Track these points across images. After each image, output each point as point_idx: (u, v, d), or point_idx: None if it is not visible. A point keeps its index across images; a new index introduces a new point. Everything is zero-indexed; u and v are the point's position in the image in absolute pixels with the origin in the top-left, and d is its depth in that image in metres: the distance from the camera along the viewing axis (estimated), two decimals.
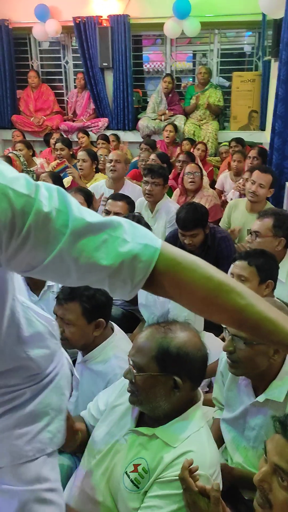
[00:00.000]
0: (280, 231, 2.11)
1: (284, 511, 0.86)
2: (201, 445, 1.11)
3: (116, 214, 2.50)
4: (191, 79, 6.59)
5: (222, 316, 0.80)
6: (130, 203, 2.65)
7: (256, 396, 1.38)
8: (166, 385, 1.13)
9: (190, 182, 3.51)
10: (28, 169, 4.57)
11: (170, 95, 5.92)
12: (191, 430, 1.13)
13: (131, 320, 2.42)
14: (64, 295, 1.51)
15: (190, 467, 1.04)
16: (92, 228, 0.70)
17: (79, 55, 6.12)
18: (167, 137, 5.38)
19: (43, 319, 0.97)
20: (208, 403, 1.74)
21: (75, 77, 6.44)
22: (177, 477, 1.06)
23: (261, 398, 1.36)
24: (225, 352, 1.40)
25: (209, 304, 0.78)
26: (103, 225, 0.71)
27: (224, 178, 4.45)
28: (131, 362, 1.17)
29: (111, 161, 3.34)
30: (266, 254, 1.84)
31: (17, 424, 0.96)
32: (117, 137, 5.77)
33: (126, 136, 5.99)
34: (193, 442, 1.12)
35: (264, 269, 1.79)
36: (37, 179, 4.28)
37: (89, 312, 1.49)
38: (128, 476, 1.13)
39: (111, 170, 3.33)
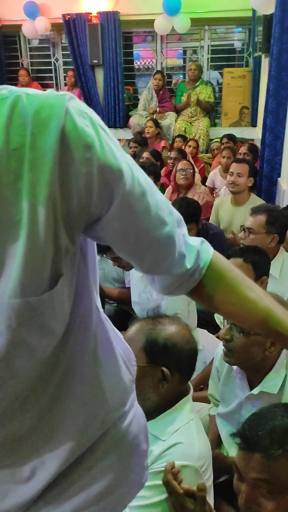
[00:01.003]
0: (273, 227, 2.11)
1: None
2: (190, 437, 1.12)
3: None
4: (182, 76, 6.58)
5: (257, 329, 0.80)
6: None
7: (251, 389, 1.39)
8: (154, 376, 1.14)
9: (182, 179, 3.51)
10: None
11: (161, 92, 5.90)
12: (180, 422, 1.14)
13: (124, 318, 2.41)
14: None
15: (173, 469, 1.04)
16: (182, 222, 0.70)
17: (69, 52, 6.08)
18: (148, 132, 5.38)
19: (120, 344, 0.79)
20: (204, 400, 1.74)
21: (65, 74, 6.40)
22: (165, 468, 1.06)
23: (256, 391, 1.36)
24: (221, 347, 1.41)
25: (251, 324, 0.78)
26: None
27: (214, 175, 4.44)
28: None
29: None
30: (260, 251, 1.85)
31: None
32: None
33: (118, 133, 5.97)
34: (182, 434, 1.12)
35: (259, 266, 1.81)
36: None
37: None
38: None
39: None
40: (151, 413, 1.15)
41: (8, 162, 0.50)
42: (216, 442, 1.55)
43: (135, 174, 0.59)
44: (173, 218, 0.65)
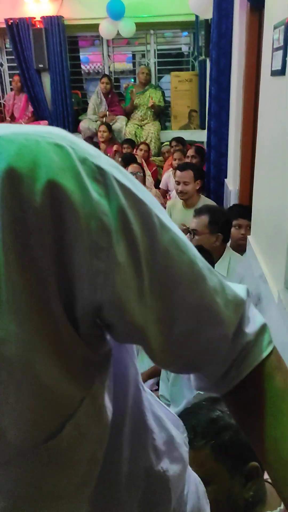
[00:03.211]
0: (216, 227, 2.14)
1: (210, 505, 0.88)
2: None
3: None
4: (132, 80, 6.60)
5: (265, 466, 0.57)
6: None
7: None
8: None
9: None
10: None
11: (109, 96, 5.90)
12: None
13: None
14: None
15: None
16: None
17: (13, 57, 5.96)
18: (101, 137, 5.37)
19: (169, 416, 0.67)
20: None
21: (11, 79, 6.27)
22: None
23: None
24: None
25: (264, 459, 0.54)
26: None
27: (168, 177, 4.49)
28: None
29: None
30: (204, 250, 1.87)
31: None
32: None
33: None
34: None
35: None
36: None
37: None
38: None
39: None
40: None
41: None
42: None
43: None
44: (231, 308, 0.48)
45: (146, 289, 0.40)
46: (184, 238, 0.44)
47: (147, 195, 0.40)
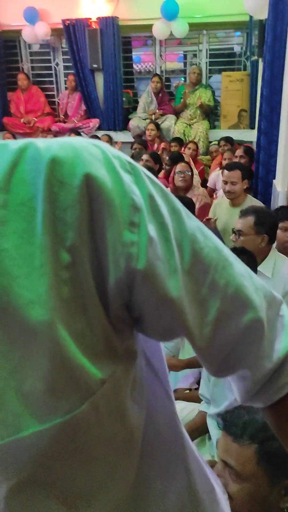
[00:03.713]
0: (262, 228, 2.16)
1: (243, 501, 0.91)
2: None
3: None
4: (183, 79, 6.64)
5: None
6: None
7: None
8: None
9: (181, 181, 3.57)
10: None
11: (160, 95, 5.97)
12: None
13: None
14: None
15: None
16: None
17: (69, 57, 6.16)
18: (149, 135, 5.45)
19: (210, 470, 0.62)
20: (196, 400, 1.79)
21: (65, 78, 6.48)
22: None
23: None
24: None
25: None
26: None
27: (216, 176, 4.50)
28: None
29: None
30: (247, 252, 1.90)
31: None
32: (110, 138, 5.82)
33: (117, 136, 6.04)
34: None
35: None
36: None
37: None
38: None
39: None
40: None
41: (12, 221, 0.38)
42: (194, 435, 1.59)
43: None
44: (260, 294, 0.48)
45: (177, 266, 0.41)
46: (207, 229, 0.47)
47: (171, 194, 0.45)
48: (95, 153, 0.40)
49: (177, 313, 0.42)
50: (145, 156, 4.16)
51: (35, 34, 5.97)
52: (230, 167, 3.08)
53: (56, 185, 0.38)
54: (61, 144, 0.40)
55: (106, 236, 0.39)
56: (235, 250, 1.91)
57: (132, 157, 4.58)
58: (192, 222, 0.45)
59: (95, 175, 0.38)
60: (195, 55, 6.45)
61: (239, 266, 0.47)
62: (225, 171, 3.08)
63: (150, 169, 3.30)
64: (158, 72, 6.28)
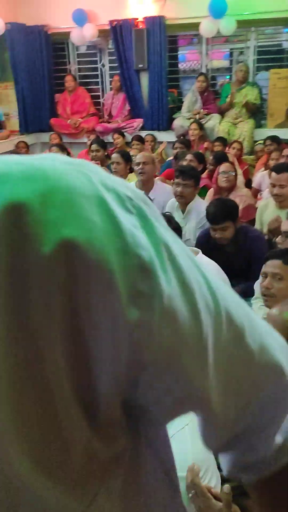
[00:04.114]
0: None
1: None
2: (182, 446, 1.09)
3: None
4: (228, 77, 6.55)
5: None
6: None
7: None
8: None
9: (224, 181, 3.52)
10: None
11: (205, 94, 5.91)
12: (174, 428, 1.10)
13: None
14: None
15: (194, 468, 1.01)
16: None
17: (115, 57, 6.21)
18: (192, 134, 5.41)
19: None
20: None
21: (111, 79, 6.55)
22: None
23: None
24: None
25: None
26: None
27: (261, 177, 4.40)
28: None
29: (138, 163, 3.40)
30: None
31: None
32: (154, 137, 5.84)
33: (161, 136, 6.03)
34: (174, 442, 1.08)
35: None
36: None
37: None
38: None
39: (139, 173, 3.39)
40: None
41: None
42: None
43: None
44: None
45: (207, 345, 0.31)
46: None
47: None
48: (79, 186, 0.27)
49: (201, 400, 0.33)
50: (189, 156, 4.13)
51: (83, 35, 6.07)
52: (278, 169, 2.99)
53: (15, 249, 0.25)
54: (28, 173, 0.26)
55: (96, 320, 0.27)
56: (284, 251, 1.88)
57: (176, 157, 4.57)
58: (221, 286, 0.34)
59: (78, 239, 0.25)
60: (242, 53, 6.34)
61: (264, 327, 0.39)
62: (273, 174, 3.00)
63: (193, 169, 3.27)
64: (203, 70, 6.22)
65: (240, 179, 4.27)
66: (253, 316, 0.38)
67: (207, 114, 5.83)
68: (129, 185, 0.32)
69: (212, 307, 0.32)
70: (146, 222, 0.30)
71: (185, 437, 1.10)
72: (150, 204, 0.32)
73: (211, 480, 1.13)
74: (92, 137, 5.67)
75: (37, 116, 6.60)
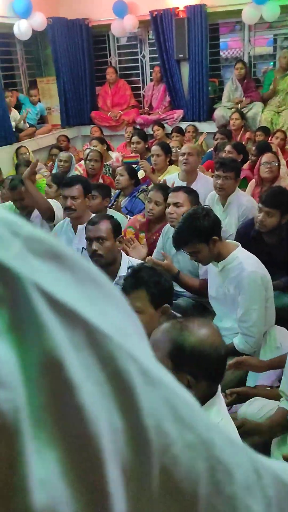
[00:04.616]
0: None
1: None
2: None
3: (177, 205, 2.52)
4: (272, 64, 6.37)
5: None
6: (191, 192, 2.63)
7: None
8: (181, 382, 1.10)
9: (267, 172, 3.45)
10: (104, 163, 4.75)
11: (245, 81, 5.77)
12: None
13: (201, 312, 2.46)
14: (130, 284, 1.56)
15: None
16: None
17: (155, 48, 6.18)
18: (233, 124, 5.30)
19: None
20: (276, 397, 1.74)
21: (151, 70, 6.52)
22: None
23: None
24: None
25: None
26: None
27: None
28: None
29: (183, 154, 3.38)
30: None
31: None
32: (195, 128, 5.79)
33: (202, 126, 5.97)
34: None
35: None
36: (113, 172, 4.44)
37: (156, 298, 1.53)
38: None
39: (184, 163, 3.37)
40: None
41: None
42: (274, 433, 1.54)
43: None
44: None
45: None
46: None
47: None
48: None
49: None
50: (228, 147, 4.06)
51: (123, 27, 6.07)
52: None
53: None
54: None
55: None
56: None
57: (216, 148, 4.51)
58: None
59: None
60: (286, 38, 6.13)
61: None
62: None
63: (234, 161, 3.21)
64: (245, 58, 6.08)
65: (284, 170, 4.16)
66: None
67: (249, 103, 5.70)
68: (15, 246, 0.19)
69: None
70: (22, 321, 0.18)
71: None
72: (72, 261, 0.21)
73: None
74: (130, 129, 5.68)
75: (78, 110, 6.69)
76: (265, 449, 1.54)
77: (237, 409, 1.79)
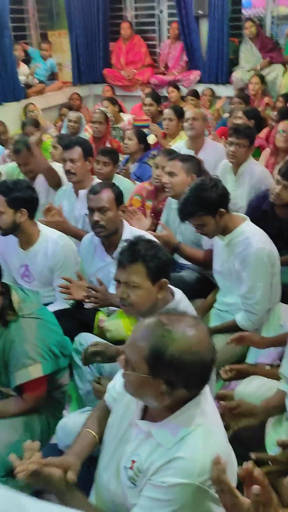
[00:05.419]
0: None
1: None
2: (193, 451, 1.02)
3: (172, 175, 2.42)
4: None
5: None
6: (186, 160, 2.47)
7: None
8: (156, 388, 1.02)
9: (283, 141, 3.30)
10: (115, 125, 4.59)
11: (258, 40, 5.47)
12: (186, 430, 1.04)
13: (205, 285, 2.40)
14: (126, 257, 1.48)
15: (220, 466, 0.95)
16: None
17: (173, 3, 5.85)
18: (252, 89, 5.07)
19: None
20: (276, 377, 1.71)
21: (168, 27, 6.21)
22: (164, 484, 1.00)
23: None
24: None
25: None
26: None
27: None
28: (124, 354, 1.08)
29: (187, 119, 3.26)
30: None
31: None
32: (212, 91, 5.56)
33: (219, 90, 5.72)
34: (185, 446, 1.03)
35: None
36: (124, 135, 4.30)
37: (154, 272, 1.47)
38: (126, 472, 1.12)
39: (188, 129, 3.25)
40: (156, 416, 1.09)
41: None
42: (271, 414, 1.52)
43: None
44: None
45: None
46: None
47: None
48: None
49: None
50: (239, 113, 3.87)
51: None
52: None
53: None
54: None
55: None
56: None
57: (230, 113, 4.31)
58: None
59: None
60: None
61: None
62: None
63: (249, 128, 3.06)
64: (268, 17, 5.74)
65: None
66: None
67: (268, 65, 5.41)
68: None
69: None
70: None
71: (196, 441, 1.04)
72: None
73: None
74: (148, 90, 5.45)
75: (90, 66, 6.44)
76: (260, 430, 1.52)
77: (236, 386, 1.76)
